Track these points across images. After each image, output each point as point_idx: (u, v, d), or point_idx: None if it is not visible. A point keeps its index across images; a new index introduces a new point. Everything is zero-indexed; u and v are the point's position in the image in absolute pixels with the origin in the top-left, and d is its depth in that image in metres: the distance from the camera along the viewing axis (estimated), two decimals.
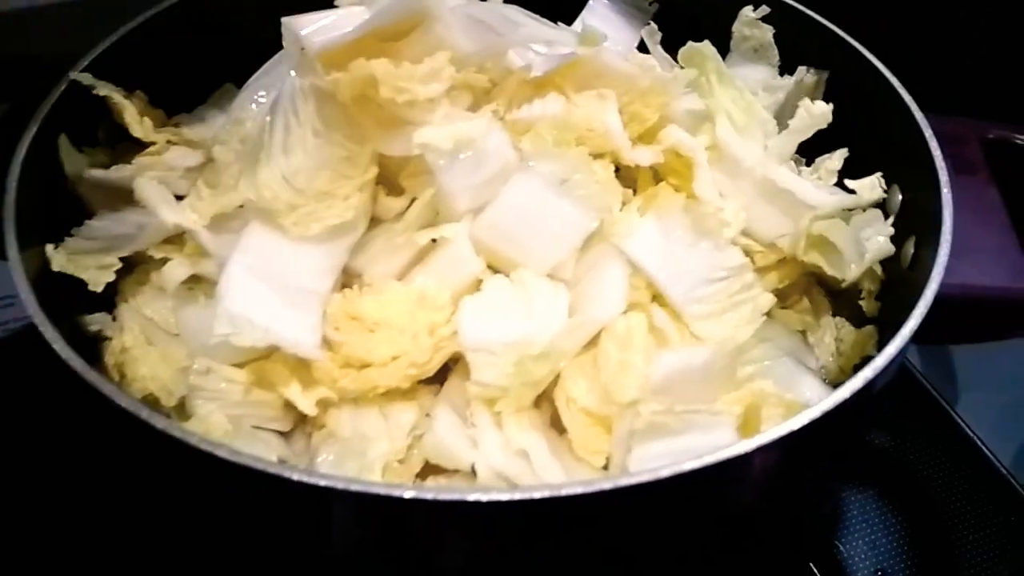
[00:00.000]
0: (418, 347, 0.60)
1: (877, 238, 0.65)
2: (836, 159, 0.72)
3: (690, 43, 0.72)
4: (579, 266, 0.65)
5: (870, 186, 0.67)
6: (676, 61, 0.74)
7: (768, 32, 0.77)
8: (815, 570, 0.76)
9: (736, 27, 0.78)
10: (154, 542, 0.69)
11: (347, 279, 0.65)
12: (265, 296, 0.59)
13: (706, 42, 0.71)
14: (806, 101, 0.70)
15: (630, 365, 0.59)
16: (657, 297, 0.65)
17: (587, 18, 0.82)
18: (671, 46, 0.77)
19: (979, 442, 0.85)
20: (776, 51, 0.78)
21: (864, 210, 0.67)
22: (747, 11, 0.77)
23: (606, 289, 0.63)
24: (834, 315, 0.70)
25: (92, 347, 0.65)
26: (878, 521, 0.80)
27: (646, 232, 0.65)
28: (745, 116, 0.71)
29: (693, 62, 0.71)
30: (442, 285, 0.62)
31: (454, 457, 0.58)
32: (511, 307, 0.61)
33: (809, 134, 0.70)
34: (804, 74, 0.76)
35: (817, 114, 0.69)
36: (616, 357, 0.60)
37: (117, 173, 0.68)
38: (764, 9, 0.76)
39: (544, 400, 0.62)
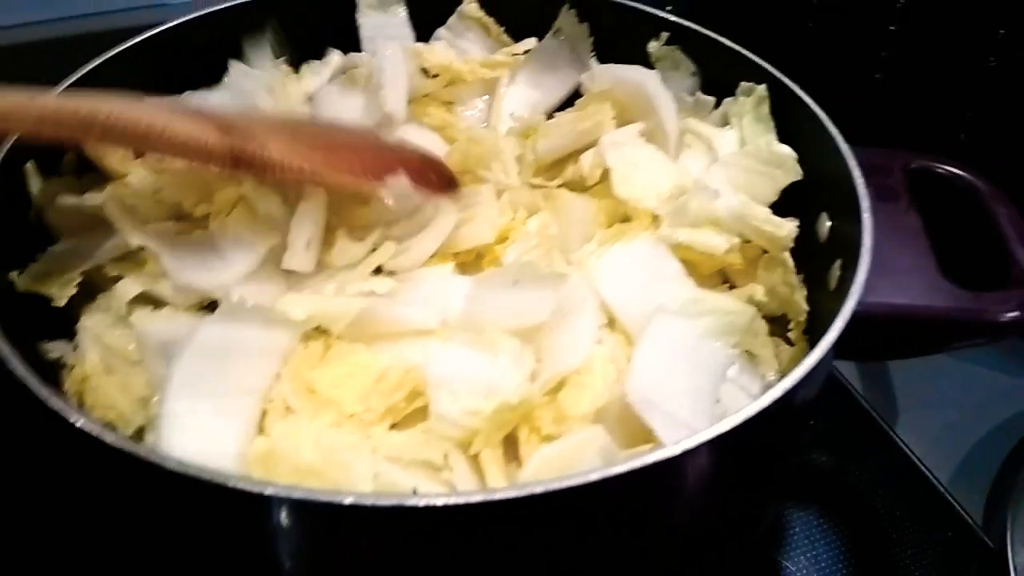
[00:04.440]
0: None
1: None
2: None
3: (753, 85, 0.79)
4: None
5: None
6: None
7: (677, 51, 0.84)
8: None
9: (650, 51, 0.86)
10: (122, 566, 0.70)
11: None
12: (200, 419, 0.58)
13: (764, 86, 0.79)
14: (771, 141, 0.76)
15: (587, 385, 0.62)
16: (611, 322, 0.68)
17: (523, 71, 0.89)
18: None
19: (918, 461, 0.88)
20: (690, 62, 0.84)
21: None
22: (651, 45, 0.85)
23: (577, 338, 0.65)
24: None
25: (54, 375, 0.66)
26: (820, 538, 0.82)
27: (609, 268, 0.70)
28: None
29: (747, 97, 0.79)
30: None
31: None
32: (476, 355, 0.63)
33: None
34: (745, 87, 0.80)
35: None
36: (576, 379, 0.63)
37: (90, 200, 0.70)
38: (664, 35, 0.85)
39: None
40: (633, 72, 0.81)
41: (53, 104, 0.60)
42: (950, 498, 0.85)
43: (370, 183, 0.67)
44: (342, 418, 0.60)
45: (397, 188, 0.67)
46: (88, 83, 0.75)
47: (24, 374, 0.54)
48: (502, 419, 0.59)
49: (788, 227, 0.71)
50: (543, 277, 0.65)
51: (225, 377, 0.59)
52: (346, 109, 0.83)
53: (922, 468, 0.88)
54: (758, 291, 0.70)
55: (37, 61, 1.04)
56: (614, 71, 0.83)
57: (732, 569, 0.77)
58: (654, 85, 0.79)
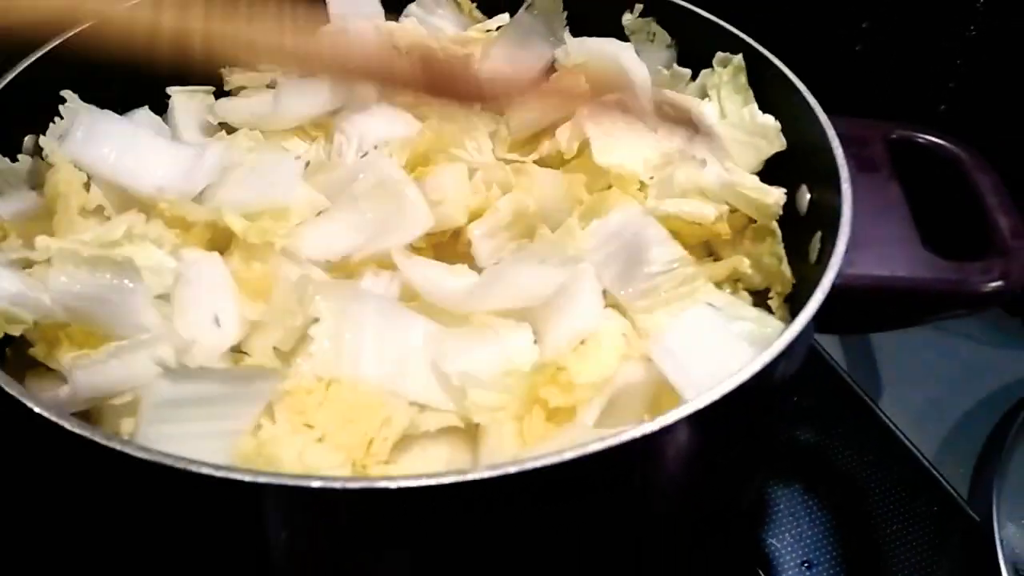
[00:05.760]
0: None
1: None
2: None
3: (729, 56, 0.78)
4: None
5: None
6: None
7: (652, 23, 0.83)
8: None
9: (625, 23, 0.84)
10: (92, 560, 0.68)
11: None
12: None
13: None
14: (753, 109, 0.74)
15: (595, 355, 0.62)
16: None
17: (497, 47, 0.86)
18: None
19: (902, 436, 0.88)
20: (666, 34, 0.83)
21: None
22: (626, 18, 0.84)
23: (580, 308, 0.65)
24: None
25: None
26: (804, 515, 0.82)
27: (593, 239, 0.69)
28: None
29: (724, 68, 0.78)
30: None
31: None
32: (485, 343, 0.63)
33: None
34: (721, 58, 0.79)
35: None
36: (583, 350, 0.62)
37: None
38: (639, 7, 0.84)
39: None
40: (607, 44, 0.80)
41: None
42: (935, 472, 0.85)
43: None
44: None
45: None
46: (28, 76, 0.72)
47: None
48: (530, 388, 0.59)
49: (776, 194, 0.70)
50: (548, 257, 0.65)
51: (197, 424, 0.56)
52: (310, 95, 0.81)
53: (907, 443, 0.87)
54: (743, 263, 0.69)
55: None
56: (588, 44, 0.81)
57: (717, 547, 0.77)
58: (628, 57, 0.78)
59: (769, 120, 0.74)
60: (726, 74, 0.78)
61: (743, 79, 0.77)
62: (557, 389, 0.60)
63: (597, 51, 0.80)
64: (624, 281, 0.67)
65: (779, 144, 0.73)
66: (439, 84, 0.67)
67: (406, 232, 0.71)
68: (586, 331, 0.63)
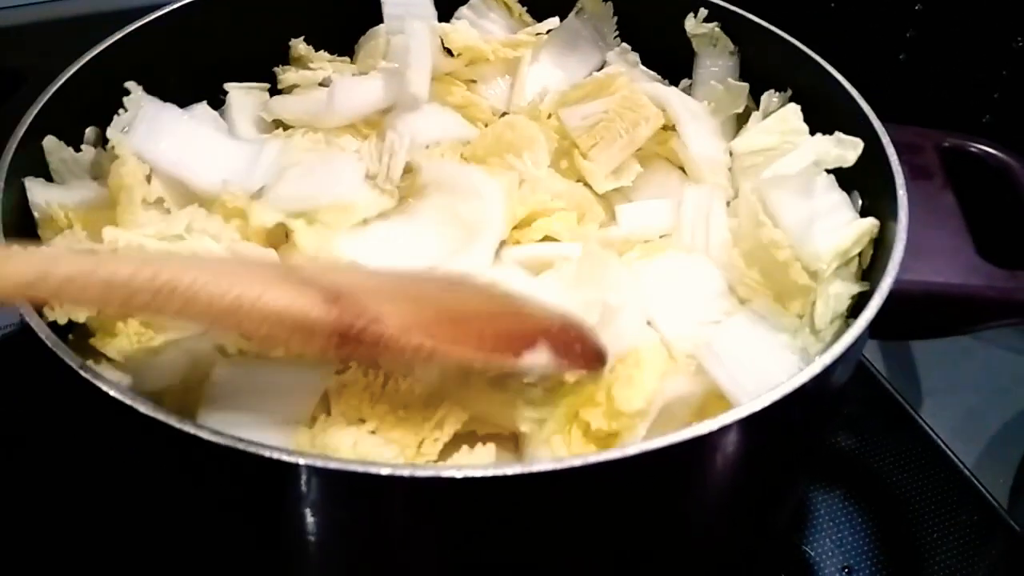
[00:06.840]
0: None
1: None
2: None
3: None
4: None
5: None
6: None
7: (715, 26, 0.83)
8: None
9: (688, 28, 0.84)
10: (153, 538, 0.70)
11: None
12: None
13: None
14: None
15: (638, 380, 0.61)
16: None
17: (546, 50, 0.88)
18: None
19: (942, 444, 0.88)
20: (729, 40, 0.82)
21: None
22: (688, 22, 0.83)
23: (625, 323, 0.64)
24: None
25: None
26: (845, 521, 0.82)
27: (645, 278, 0.68)
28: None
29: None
30: None
31: None
32: None
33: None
34: (771, 98, 0.79)
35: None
36: (624, 373, 0.62)
37: None
38: (703, 12, 0.83)
39: None
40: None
41: (125, 270, 0.48)
42: (975, 481, 0.85)
43: (505, 360, 0.55)
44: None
45: (536, 365, 0.56)
46: (91, 69, 0.73)
47: (55, 342, 0.53)
48: (568, 402, 0.59)
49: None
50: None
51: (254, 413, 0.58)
52: (363, 93, 0.82)
53: (947, 451, 0.87)
54: None
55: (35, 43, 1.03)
56: None
57: (756, 553, 0.77)
58: None
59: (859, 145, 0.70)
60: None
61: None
62: (601, 413, 0.60)
63: None
64: (666, 318, 0.66)
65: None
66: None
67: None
68: (625, 351, 0.63)
